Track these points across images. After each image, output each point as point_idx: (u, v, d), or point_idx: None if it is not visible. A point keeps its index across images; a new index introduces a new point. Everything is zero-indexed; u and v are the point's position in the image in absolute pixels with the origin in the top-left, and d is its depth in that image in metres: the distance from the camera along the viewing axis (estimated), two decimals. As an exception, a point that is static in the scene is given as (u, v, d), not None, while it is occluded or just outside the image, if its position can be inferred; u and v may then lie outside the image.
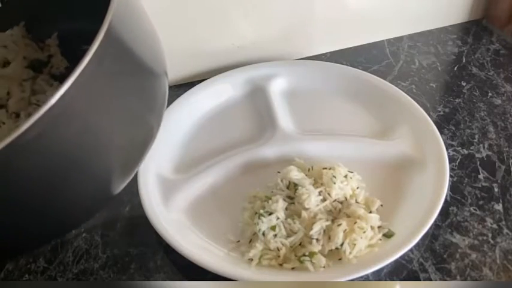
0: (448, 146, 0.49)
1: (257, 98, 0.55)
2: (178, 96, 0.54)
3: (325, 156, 0.47)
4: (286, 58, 0.62)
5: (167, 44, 0.57)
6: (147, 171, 0.45)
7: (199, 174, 0.47)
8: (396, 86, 0.54)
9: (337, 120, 0.53)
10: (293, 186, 0.43)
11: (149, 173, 0.46)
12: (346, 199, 0.42)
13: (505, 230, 0.43)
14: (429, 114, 0.50)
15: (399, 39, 0.66)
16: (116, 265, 0.42)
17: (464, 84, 0.59)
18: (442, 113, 0.55)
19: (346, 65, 0.60)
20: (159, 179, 0.46)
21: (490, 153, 0.50)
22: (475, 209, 0.45)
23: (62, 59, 0.48)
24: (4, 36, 0.47)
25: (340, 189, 0.42)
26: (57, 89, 0.25)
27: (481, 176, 0.48)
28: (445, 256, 0.41)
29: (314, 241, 0.40)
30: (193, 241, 0.42)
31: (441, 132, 0.48)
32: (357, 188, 0.43)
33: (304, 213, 0.41)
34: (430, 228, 0.40)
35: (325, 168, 0.43)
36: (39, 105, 0.43)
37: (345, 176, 0.43)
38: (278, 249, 0.40)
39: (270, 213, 0.41)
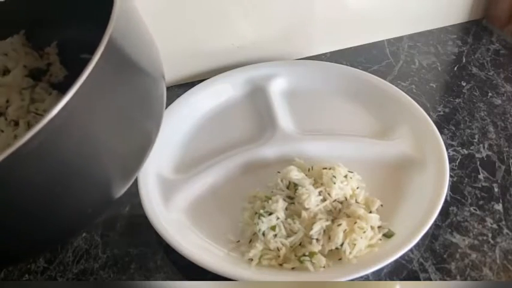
0: (448, 146, 0.49)
1: (257, 98, 0.55)
2: (178, 96, 0.54)
3: (325, 156, 0.47)
4: (286, 58, 0.62)
5: (167, 44, 0.57)
6: (147, 171, 0.45)
7: (199, 174, 0.47)
8: (396, 86, 0.54)
9: (337, 120, 0.53)
10: (293, 186, 0.43)
11: (149, 173, 0.46)
12: (346, 199, 0.42)
13: (505, 230, 0.43)
14: (429, 114, 0.50)
15: (399, 39, 0.66)
16: (116, 265, 0.42)
17: (464, 84, 0.59)
18: (442, 113, 0.55)
19: (346, 65, 0.60)
20: (159, 179, 0.46)
21: (490, 153, 0.50)
22: (475, 209, 0.45)
23: (61, 67, 0.48)
24: (4, 44, 0.47)
25: (340, 189, 0.42)
26: (56, 98, 0.25)
27: (481, 176, 0.48)
28: (445, 256, 0.41)
29: (314, 241, 0.40)
30: (193, 241, 0.42)
31: (441, 132, 0.48)
32: (357, 188, 0.44)
33: (304, 213, 0.41)
34: (430, 228, 0.40)
35: (325, 168, 0.43)
36: (37, 114, 0.44)
37: (345, 176, 0.43)
38: (278, 249, 0.40)
39: (270, 213, 0.41)
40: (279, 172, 0.44)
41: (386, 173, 0.47)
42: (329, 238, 0.40)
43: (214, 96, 0.56)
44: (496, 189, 0.46)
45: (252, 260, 0.40)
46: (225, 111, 0.55)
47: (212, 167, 0.47)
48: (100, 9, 0.29)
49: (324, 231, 0.40)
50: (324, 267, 0.39)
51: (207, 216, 0.44)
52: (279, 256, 0.40)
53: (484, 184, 0.47)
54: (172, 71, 0.60)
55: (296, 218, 0.41)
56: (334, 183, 0.42)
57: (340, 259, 0.39)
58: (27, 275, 0.42)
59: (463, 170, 0.48)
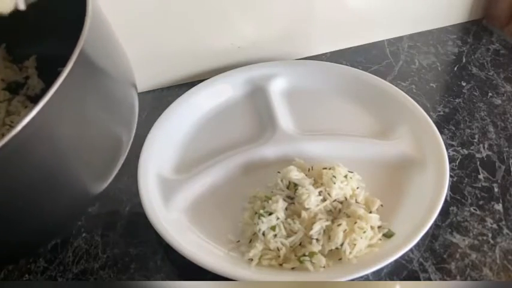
0: (448, 146, 0.49)
1: (257, 98, 0.55)
2: (178, 96, 0.54)
3: (325, 156, 0.47)
4: (286, 58, 0.62)
5: (167, 44, 0.57)
6: (147, 171, 0.46)
7: (199, 174, 0.47)
8: (396, 86, 0.54)
9: (337, 120, 0.53)
10: (293, 186, 0.43)
11: (149, 173, 0.46)
12: (346, 199, 0.43)
13: (505, 230, 0.43)
14: (429, 114, 0.50)
15: (399, 39, 0.66)
16: (116, 265, 0.42)
17: (464, 84, 0.59)
18: (442, 113, 0.55)
19: (346, 65, 0.60)
20: (159, 179, 0.46)
21: (490, 153, 0.50)
22: (475, 209, 0.45)
23: (38, 80, 0.49)
24: None
25: (340, 189, 0.42)
26: (31, 110, 0.26)
27: (481, 176, 0.48)
28: (445, 256, 0.41)
29: (314, 241, 0.40)
30: (193, 241, 0.42)
31: (441, 132, 0.48)
32: (357, 188, 0.44)
33: (304, 213, 0.41)
34: (430, 228, 0.40)
35: (325, 168, 0.43)
36: (12, 126, 0.45)
37: (345, 176, 0.43)
38: (278, 249, 0.40)
39: (270, 213, 0.41)
40: (279, 172, 0.44)
41: (386, 173, 0.47)
42: (329, 238, 0.40)
43: (214, 96, 0.56)
44: (496, 189, 0.46)
45: (252, 260, 0.40)
46: (225, 111, 0.55)
47: (212, 167, 0.47)
48: (76, 24, 0.30)
49: (324, 231, 0.40)
50: (324, 267, 0.39)
51: (207, 216, 0.44)
52: (279, 256, 0.40)
53: (484, 184, 0.47)
54: (172, 71, 0.60)
55: (296, 218, 0.41)
56: (334, 183, 0.42)
57: (340, 259, 0.39)
58: (27, 275, 0.42)
59: (463, 170, 0.48)
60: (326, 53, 0.64)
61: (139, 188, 0.44)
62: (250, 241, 0.41)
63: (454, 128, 0.53)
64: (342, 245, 0.39)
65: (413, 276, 0.40)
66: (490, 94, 0.57)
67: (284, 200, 0.42)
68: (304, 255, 0.39)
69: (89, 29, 0.30)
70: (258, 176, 0.47)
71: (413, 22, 0.66)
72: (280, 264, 0.40)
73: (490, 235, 0.43)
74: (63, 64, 0.28)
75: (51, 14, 0.38)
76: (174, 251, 0.40)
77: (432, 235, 0.43)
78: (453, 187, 0.47)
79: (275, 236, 0.40)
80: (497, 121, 0.53)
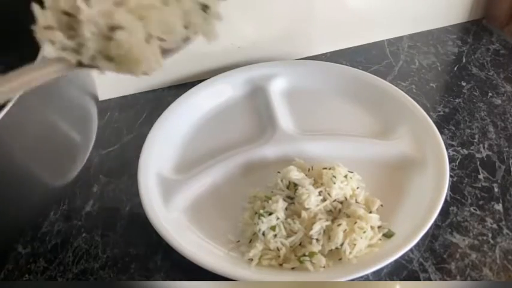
0: (448, 146, 0.49)
1: (257, 98, 0.55)
2: (178, 96, 0.54)
3: (325, 156, 0.47)
4: (286, 58, 0.62)
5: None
6: (147, 171, 0.46)
7: (199, 174, 0.47)
8: (396, 86, 0.54)
9: (337, 120, 0.53)
10: (293, 186, 0.43)
11: (149, 173, 0.46)
12: (346, 199, 0.42)
13: (505, 230, 0.43)
14: (429, 114, 0.50)
15: (399, 39, 0.66)
16: (116, 265, 0.42)
17: (464, 84, 0.59)
18: (442, 113, 0.55)
19: (346, 65, 0.60)
20: (159, 179, 0.46)
21: (490, 153, 0.50)
22: (475, 209, 0.45)
23: None
24: None
25: (340, 189, 0.42)
26: None
27: (481, 176, 0.48)
28: (445, 256, 0.41)
29: (314, 241, 0.40)
30: (193, 241, 0.42)
31: (441, 132, 0.48)
32: (357, 188, 0.43)
33: (304, 213, 0.41)
34: (430, 228, 0.40)
35: (325, 168, 0.43)
36: None
37: (345, 176, 0.43)
38: (278, 249, 0.40)
39: (270, 213, 0.41)
40: (279, 172, 0.44)
41: (386, 173, 0.47)
42: (329, 238, 0.40)
43: (214, 96, 0.56)
44: (496, 189, 0.46)
45: (252, 260, 0.40)
46: (225, 111, 0.55)
47: (212, 167, 0.47)
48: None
49: (324, 231, 0.40)
50: (324, 267, 0.39)
51: (207, 216, 0.44)
52: (279, 256, 0.40)
53: (484, 184, 0.47)
54: (172, 71, 0.60)
55: (296, 218, 0.41)
56: (334, 183, 0.42)
57: (340, 259, 0.39)
58: (27, 275, 0.42)
59: (463, 170, 0.48)
60: (326, 53, 0.64)
61: (139, 188, 0.44)
62: (250, 241, 0.41)
63: (454, 128, 0.53)
64: (342, 245, 0.39)
65: (413, 276, 0.40)
66: (490, 94, 0.57)
67: (284, 200, 0.42)
68: (304, 255, 0.39)
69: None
70: (258, 176, 0.47)
71: (413, 22, 0.66)
72: (280, 264, 0.40)
73: (490, 235, 0.43)
74: None
75: (12, 23, 0.38)
76: (174, 251, 0.40)
77: (432, 235, 0.43)
78: (453, 187, 0.47)
79: (275, 236, 0.40)
80: (497, 121, 0.53)
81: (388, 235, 0.41)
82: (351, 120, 0.53)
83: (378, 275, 0.40)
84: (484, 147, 0.50)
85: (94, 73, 0.39)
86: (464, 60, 0.62)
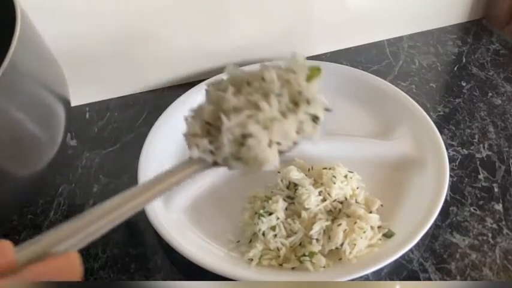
0: (448, 146, 0.49)
1: (257, 98, 0.55)
2: (178, 96, 0.54)
3: (325, 156, 0.46)
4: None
5: (168, 44, 0.57)
6: (147, 171, 0.45)
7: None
8: (396, 86, 0.54)
9: (337, 120, 0.53)
10: (293, 186, 0.43)
11: (149, 172, 0.46)
12: (346, 199, 0.43)
13: (505, 230, 0.43)
14: (429, 114, 0.50)
15: (399, 39, 0.66)
16: (116, 265, 0.42)
17: (464, 84, 0.59)
18: (442, 113, 0.55)
19: (346, 65, 0.60)
20: (159, 179, 0.46)
21: (490, 153, 0.50)
22: (475, 209, 0.45)
23: None
24: None
25: (340, 189, 0.42)
26: None
27: (481, 176, 0.48)
28: (445, 256, 0.41)
29: (314, 241, 0.40)
30: (193, 241, 0.42)
31: (441, 132, 0.48)
32: (357, 188, 0.44)
33: (304, 213, 0.41)
34: (430, 228, 0.40)
35: (325, 168, 0.43)
36: None
37: (345, 176, 0.43)
38: (278, 249, 0.40)
39: (270, 213, 0.41)
40: (279, 172, 0.44)
41: (386, 173, 0.47)
42: (329, 238, 0.40)
43: (214, 96, 0.55)
44: (496, 189, 0.46)
45: (252, 260, 0.40)
46: (225, 111, 0.55)
47: (212, 167, 0.47)
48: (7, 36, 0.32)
49: (324, 231, 0.40)
50: (324, 267, 0.39)
51: (207, 216, 0.44)
52: (279, 256, 0.40)
53: (484, 184, 0.47)
54: (172, 71, 0.60)
55: (296, 218, 0.41)
56: (334, 183, 0.42)
57: (340, 259, 0.39)
58: (27, 275, 0.42)
59: (463, 170, 0.48)
60: (326, 53, 0.64)
61: (140, 188, 0.44)
62: (250, 241, 0.41)
63: (454, 128, 0.53)
64: (342, 245, 0.39)
65: (413, 276, 0.40)
66: (490, 94, 0.57)
67: (284, 200, 0.42)
68: (304, 255, 0.39)
69: (17, 41, 0.31)
70: (258, 176, 0.47)
71: (413, 22, 0.66)
72: (280, 264, 0.40)
73: (490, 235, 0.43)
74: None
75: None
76: (174, 251, 0.39)
77: (432, 235, 0.43)
78: (453, 187, 0.47)
79: (275, 236, 0.40)
80: (497, 121, 0.53)
81: (388, 235, 0.41)
82: (351, 120, 0.53)
83: (378, 275, 0.40)
84: (484, 147, 0.50)
85: (65, 75, 0.40)
86: (464, 60, 0.62)
